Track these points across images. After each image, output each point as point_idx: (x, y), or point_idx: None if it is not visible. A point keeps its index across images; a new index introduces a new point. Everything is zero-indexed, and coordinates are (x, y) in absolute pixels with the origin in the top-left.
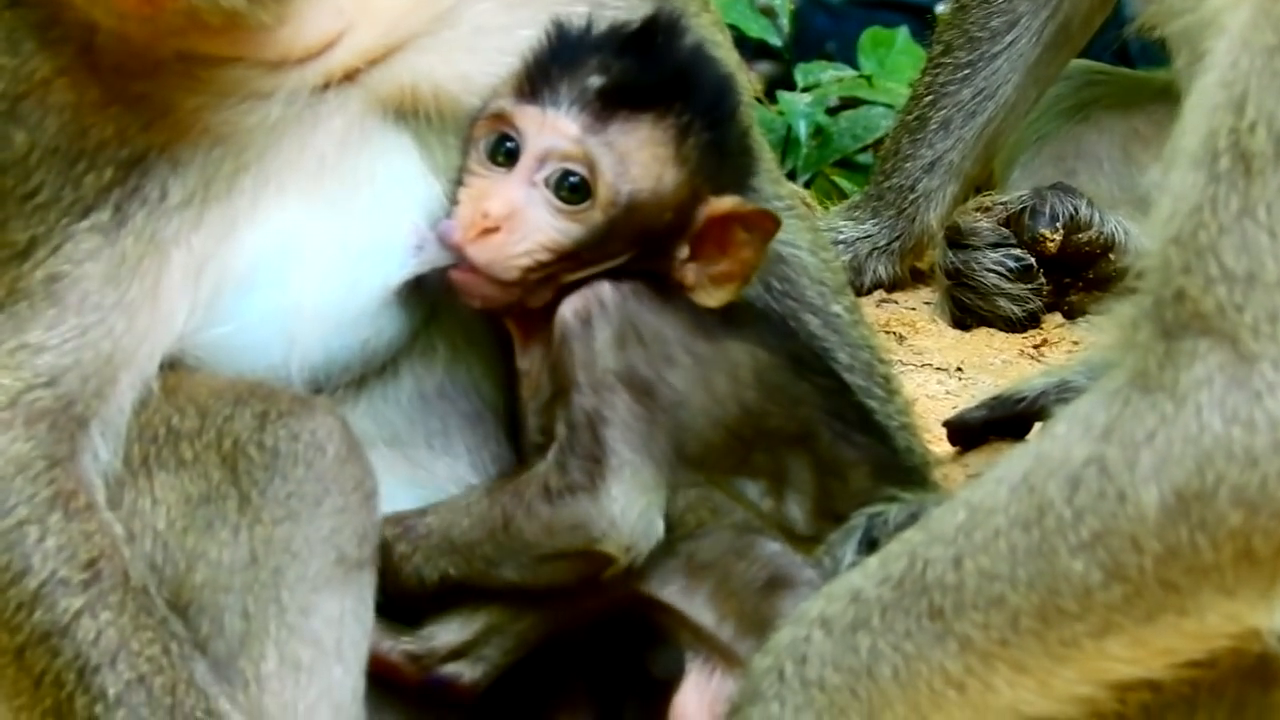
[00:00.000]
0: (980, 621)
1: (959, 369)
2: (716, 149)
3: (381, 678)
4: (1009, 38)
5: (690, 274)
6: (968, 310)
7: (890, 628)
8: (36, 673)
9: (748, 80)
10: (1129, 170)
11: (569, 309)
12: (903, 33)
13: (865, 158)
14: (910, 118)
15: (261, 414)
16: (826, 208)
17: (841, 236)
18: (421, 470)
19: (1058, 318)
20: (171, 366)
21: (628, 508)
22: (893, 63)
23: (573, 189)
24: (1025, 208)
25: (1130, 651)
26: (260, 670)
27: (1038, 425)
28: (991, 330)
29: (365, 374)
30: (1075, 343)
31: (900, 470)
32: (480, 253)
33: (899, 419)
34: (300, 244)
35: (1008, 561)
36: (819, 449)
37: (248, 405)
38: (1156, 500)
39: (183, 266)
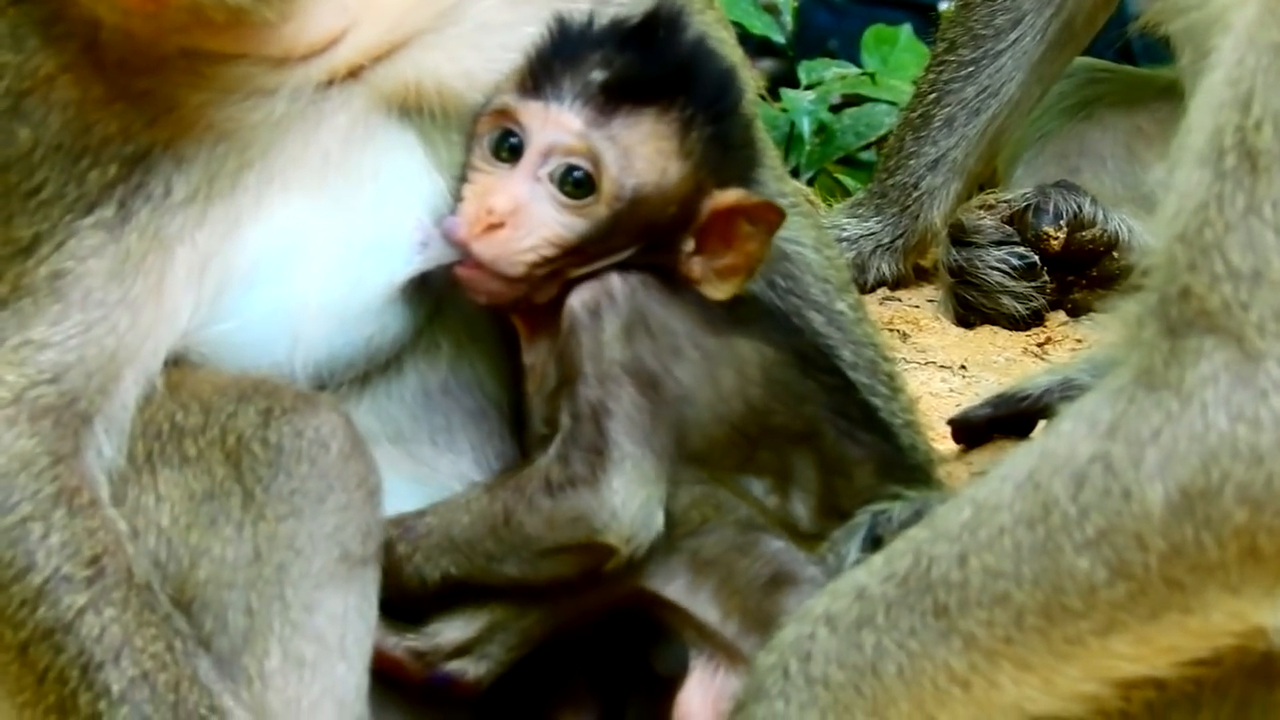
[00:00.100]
0: (985, 619)
1: (963, 367)
2: (720, 142)
3: (385, 675)
4: (1013, 35)
5: (696, 267)
6: (971, 308)
7: (895, 625)
8: (40, 669)
9: (751, 76)
10: (1132, 168)
11: (578, 300)
12: (906, 30)
13: (868, 155)
14: (914, 115)
15: (265, 411)
16: (830, 205)
17: (845, 234)
18: (425, 467)
19: (1061, 315)
20: (175, 363)
21: (628, 499)
22: (896, 60)
23: (577, 184)
24: (1029, 205)
25: (1135, 649)
26: (264, 667)
27: (1042, 423)
28: (995, 328)
29: (369, 371)
30: (1079, 340)
31: (904, 468)
32: (486, 249)
33: (903, 417)
34: (304, 241)
35: (1012, 559)
36: (824, 447)
37: (251, 402)
38: (1161, 498)
39: (187, 263)
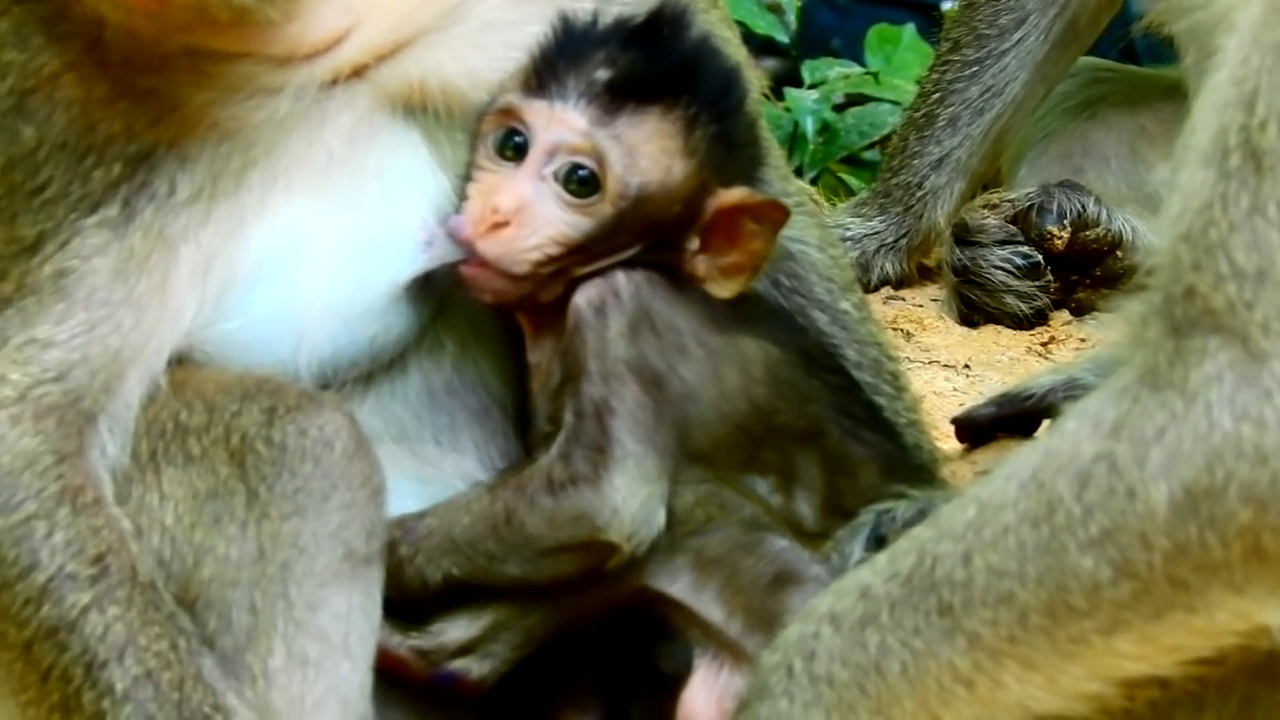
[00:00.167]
0: (989, 618)
1: (966, 366)
2: (724, 140)
3: (389, 674)
4: (1017, 35)
5: (700, 266)
6: (975, 307)
7: (899, 624)
8: (44, 668)
9: (754, 76)
10: (1136, 167)
11: (583, 297)
12: (909, 29)
13: (872, 154)
14: (918, 115)
15: (269, 409)
16: (833, 204)
17: (849, 233)
18: (429, 466)
19: (1065, 315)
20: (179, 362)
21: (630, 497)
22: (899, 59)
23: (582, 182)
24: (1033, 205)
25: (1139, 648)
26: (268, 665)
27: (1046, 422)
28: (999, 327)
29: (373, 370)
30: (1083, 340)
31: (908, 467)
32: (490, 247)
33: (907, 416)
34: (308, 240)
35: (1017, 558)
36: (828, 446)
37: (255, 401)
38: (1166, 497)
39: (191, 262)
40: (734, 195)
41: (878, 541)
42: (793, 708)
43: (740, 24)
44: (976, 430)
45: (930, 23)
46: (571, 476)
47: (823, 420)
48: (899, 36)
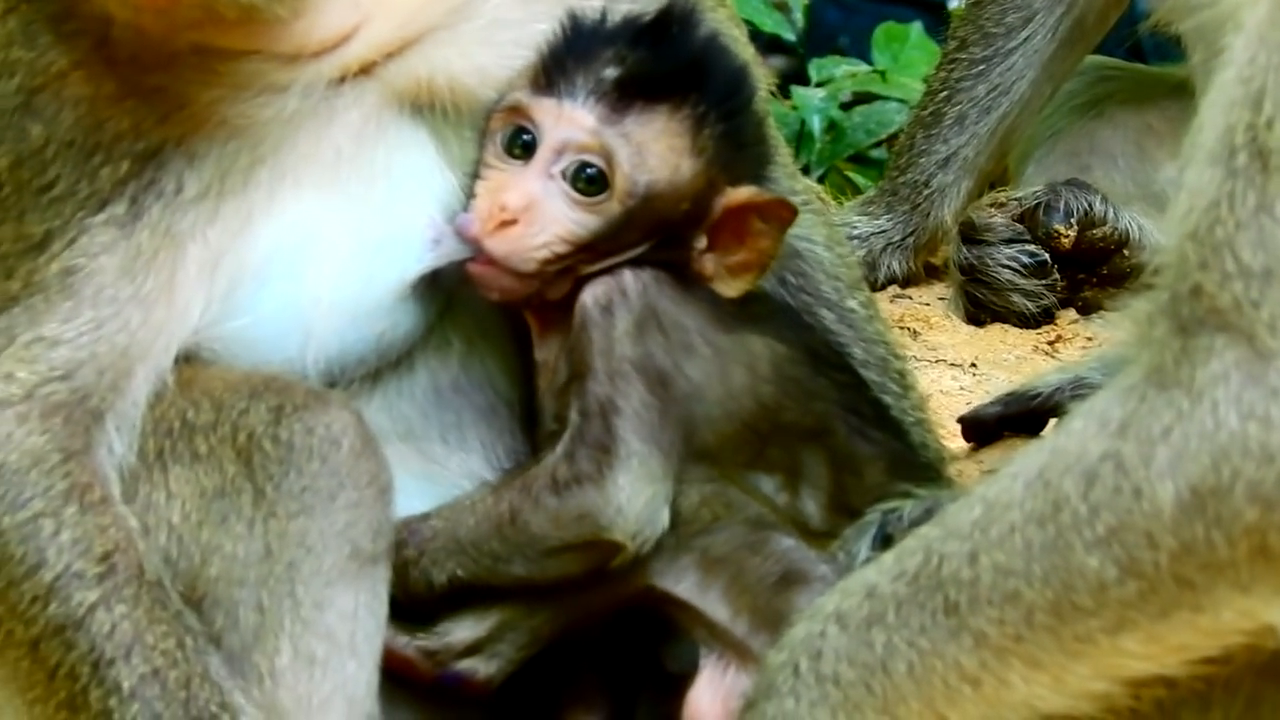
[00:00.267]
0: (995, 617)
1: (973, 365)
2: (732, 139)
3: (396, 674)
4: (1024, 33)
5: (708, 264)
6: (982, 306)
7: (905, 623)
8: (51, 666)
9: (762, 74)
10: (1143, 166)
11: (590, 296)
12: (916, 28)
13: (879, 153)
14: (925, 113)
15: (276, 408)
16: (840, 203)
17: (856, 232)
18: (435, 465)
19: (1072, 313)
20: (186, 360)
21: (634, 496)
22: (906, 58)
23: (590, 180)
24: (1039, 203)
25: (1145, 647)
26: (274, 664)
27: (1052, 421)
28: (1005, 326)
29: (380, 368)
30: (1089, 339)
31: (915, 466)
32: (498, 245)
33: (914, 414)
34: (316, 237)
35: (1023, 557)
36: (834, 444)
37: (263, 399)
38: (1172, 496)
39: (198, 260)
40: (742, 194)
41: (884, 540)
42: (799, 707)
43: (747, 22)
44: (983, 429)
45: (937, 21)
46: (576, 475)
47: (829, 418)
48: (906, 35)
